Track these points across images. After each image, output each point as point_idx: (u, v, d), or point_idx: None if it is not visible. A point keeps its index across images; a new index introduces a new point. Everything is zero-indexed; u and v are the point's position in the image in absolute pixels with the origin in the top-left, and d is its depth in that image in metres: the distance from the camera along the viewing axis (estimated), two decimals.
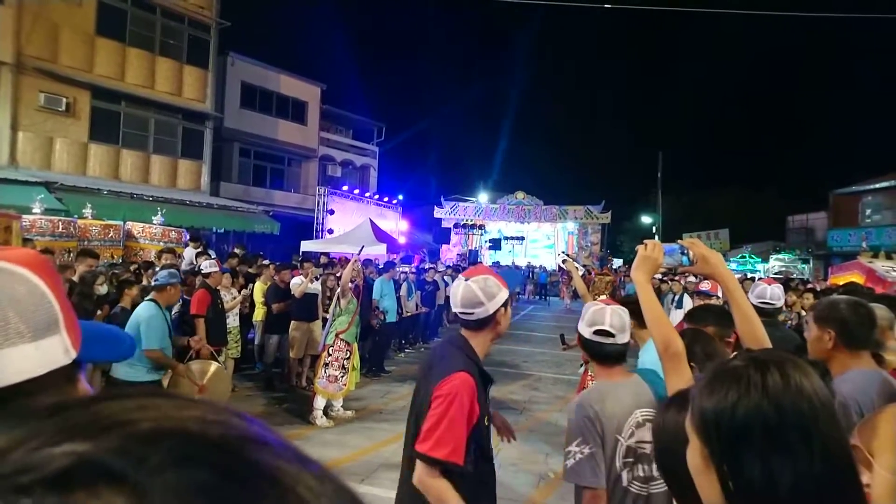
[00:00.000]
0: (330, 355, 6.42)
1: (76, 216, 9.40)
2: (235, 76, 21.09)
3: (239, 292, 8.01)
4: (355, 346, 6.69)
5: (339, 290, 6.60)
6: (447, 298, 14.56)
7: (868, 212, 24.64)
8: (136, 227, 9.82)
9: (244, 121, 21.36)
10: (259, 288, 8.15)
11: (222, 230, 16.54)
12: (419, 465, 1.86)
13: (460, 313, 2.02)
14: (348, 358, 6.47)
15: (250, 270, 8.72)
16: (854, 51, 59.65)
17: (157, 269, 5.88)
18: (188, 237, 10.35)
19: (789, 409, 0.84)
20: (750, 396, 0.86)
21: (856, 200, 25.04)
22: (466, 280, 2.03)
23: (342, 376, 6.38)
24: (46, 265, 0.63)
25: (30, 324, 0.58)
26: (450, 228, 29.22)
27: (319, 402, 6.32)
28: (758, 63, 72.77)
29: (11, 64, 13.54)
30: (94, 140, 15.38)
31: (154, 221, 10.31)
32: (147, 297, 4.66)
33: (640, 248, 1.77)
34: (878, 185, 23.98)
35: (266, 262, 8.99)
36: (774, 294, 3.83)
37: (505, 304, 2.02)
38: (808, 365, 0.91)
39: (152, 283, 4.84)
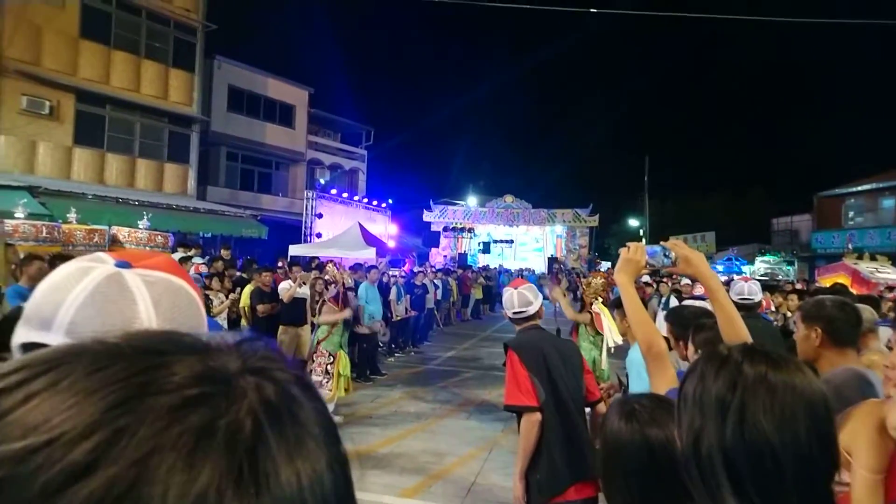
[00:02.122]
0: (313, 361, 6.47)
1: (60, 221, 9.26)
2: (222, 79, 20.96)
3: (226, 297, 7.95)
4: (341, 353, 6.63)
5: (322, 302, 6.70)
6: (437, 302, 14.69)
7: (851, 214, 25.03)
8: (121, 232, 9.69)
9: (231, 124, 21.23)
10: (247, 293, 8.09)
11: (209, 235, 16.38)
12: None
13: (515, 313, 2.85)
14: (331, 363, 6.44)
15: (243, 275, 8.68)
16: (839, 55, 60.70)
17: None
18: (174, 242, 10.24)
19: (714, 384, 0.91)
20: (697, 368, 0.95)
21: (839, 203, 25.42)
22: (516, 289, 2.87)
23: (326, 381, 6.35)
24: (182, 269, 0.68)
25: (196, 329, 0.62)
26: (439, 232, 29.22)
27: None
28: (743, 67, 73.75)
29: None
30: (79, 144, 15.19)
31: (140, 226, 10.19)
32: None
33: (622, 250, 1.78)
34: (860, 188, 24.38)
35: (256, 267, 8.92)
36: (752, 290, 4.21)
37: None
38: (804, 370, 0.93)
39: None
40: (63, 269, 0.61)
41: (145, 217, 10.33)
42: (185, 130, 17.92)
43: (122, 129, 16.39)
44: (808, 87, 64.48)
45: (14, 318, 3.32)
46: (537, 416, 2.61)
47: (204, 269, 8.52)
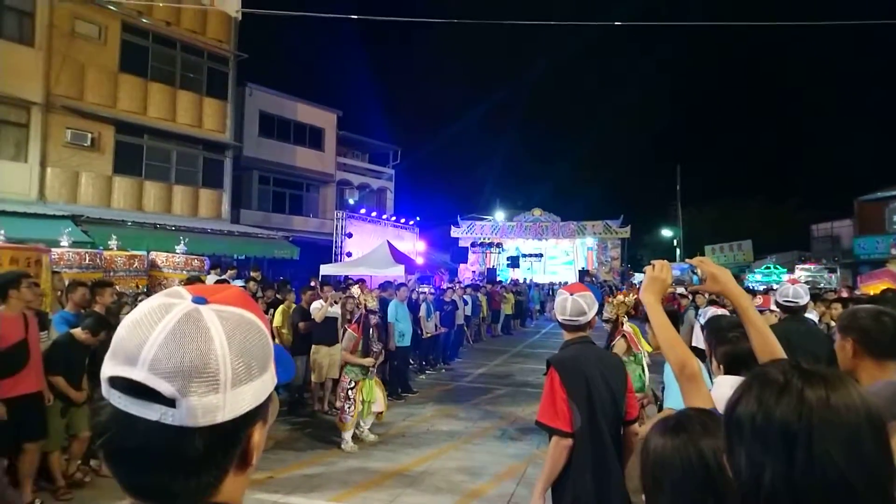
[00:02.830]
0: (339, 386, 6.50)
1: (101, 248, 9.60)
2: (254, 106, 21.58)
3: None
4: (365, 381, 6.35)
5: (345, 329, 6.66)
6: (467, 318, 14.64)
7: (895, 218, 24.07)
8: (159, 257, 9.99)
9: (263, 149, 21.79)
10: (281, 313, 8.20)
11: (243, 256, 16.76)
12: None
13: (566, 320, 2.70)
14: (353, 388, 6.28)
15: (278, 296, 8.77)
16: (878, 56, 58.90)
17: None
18: (209, 265, 10.49)
19: (776, 413, 0.85)
20: (751, 394, 0.90)
21: (881, 207, 24.50)
22: (572, 295, 2.71)
23: (348, 407, 6.22)
24: (252, 301, 0.73)
25: (260, 363, 0.68)
26: (467, 248, 29.25)
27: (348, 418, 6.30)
28: (777, 71, 72.21)
29: (41, 104, 14.05)
30: (118, 173, 15.79)
31: (177, 250, 10.48)
32: None
33: (647, 268, 1.76)
34: None
35: (290, 288, 9.01)
36: (797, 293, 4.08)
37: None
38: (856, 388, 0.90)
39: None
40: (146, 305, 0.66)
41: (182, 242, 10.63)
42: (219, 156, 18.45)
43: (159, 158, 16.98)
44: (844, 88, 62.69)
45: (62, 343, 3.46)
46: (568, 441, 2.53)
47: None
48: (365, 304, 6.69)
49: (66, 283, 6.44)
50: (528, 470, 5.61)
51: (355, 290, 7.28)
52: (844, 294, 10.77)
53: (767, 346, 1.59)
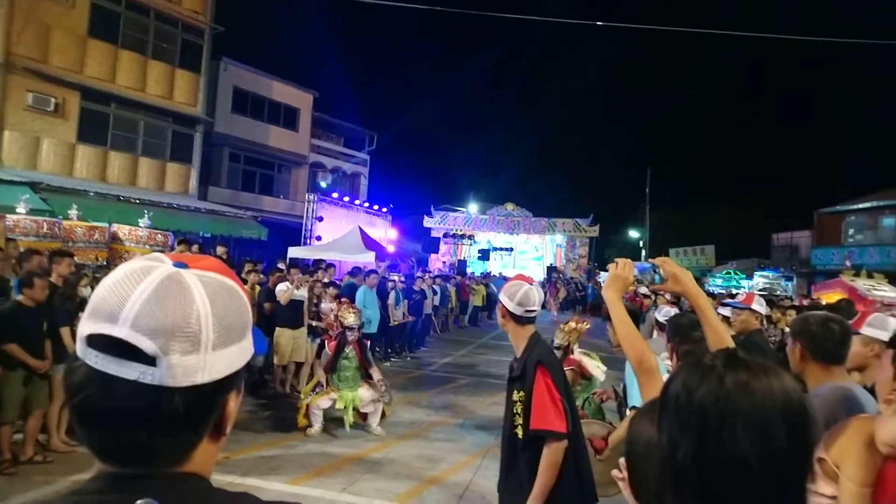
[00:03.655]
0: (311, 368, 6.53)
1: (61, 217, 9.28)
2: (228, 81, 21.06)
3: None
4: (343, 392, 6.32)
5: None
6: (435, 307, 14.68)
7: (851, 231, 25.04)
8: (121, 230, 9.70)
9: (235, 126, 21.31)
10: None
11: (209, 235, 16.41)
12: None
13: (528, 311, 2.51)
14: (325, 390, 6.33)
15: (243, 277, 8.63)
16: (841, 74, 60.89)
17: None
18: (175, 241, 10.25)
19: (697, 395, 0.88)
20: (681, 375, 0.93)
21: (839, 220, 25.44)
22: (532, 285, 2.56)
23: (317, 412, 6.29)
24: (231, 271, 0.73)
25: (239, 329, 0.69)
26: (439, 238, 29.26)
27: (317, 411, 6.26)
28: (749, 84, 73.97)
29: (0, 63, 13.43)
30: (82, 141, 15.23)
31: (140, 224, 10.20)
32: None
33: (611, 266, 1.82)
34: (860, 206, 24.41)
35: (259, 268, 8.83)
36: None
37: None
38: (785, 376, 0.93)
39: None
40: (126, 267, 0.66)
41: (146, 215, 10.34)
42: (189, 130, 17.98)
43: (126, 128, 16.44)
44: (813, 103, 64.70)
45: (8, 311, 3.38)
46: (565, 443, 2.38)
47: None
48: (341, 321, 6.46)
49: (21, 250, 6.22)
50: (484, 461, 5.69)
51: (335, 305, 7.02)
52: (805, 302, 11.19)
53: (722, 344, 1.65)
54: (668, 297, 9.70)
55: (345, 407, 6.27)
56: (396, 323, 11.31)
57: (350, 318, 6.41)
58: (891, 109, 52.53)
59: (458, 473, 5.34)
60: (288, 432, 6.22)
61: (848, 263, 18.47)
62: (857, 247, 23.38)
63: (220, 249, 10.04)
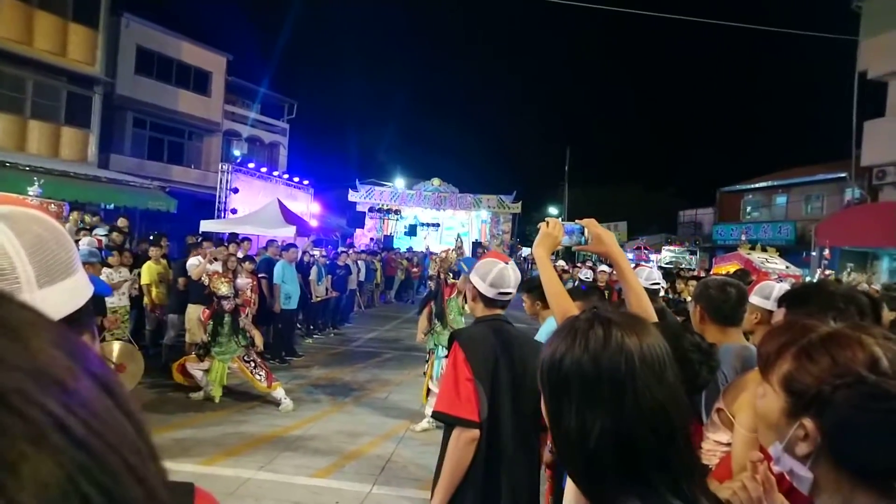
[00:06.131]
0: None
1: None
2: (130, 39, 19.35)
3: (130, 271, 7.45)
4: (215, 361, 6.34)
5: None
6: (360, 283, 14.48)
7: (748, 209, 27.13)
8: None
9: (140, 88, 19.69)
10: (148, 269, 7.66)
11: (112, 206, 15.19)
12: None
13: (502, 293, 2.23)
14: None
15: (147, 251, 8.11)
16: (749, 61, 65.26)
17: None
18: (70, 211, 9.41)
19: (605, 365, 0.87)
20: (574, 350, 0.90)
21: (738, 198, 27.46)
22: (508, 264, 2.28)
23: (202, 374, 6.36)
24: (33, 204, 0.63)
25: (64, 261, 0.63)
26: (364, 213, 28.78)
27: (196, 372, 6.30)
28: (663, 70, 77.54)
29: None
30: None
31: (30, 193, 9.24)
32: None
33: (541, 225, 1.84)
34: (757, 185, 26.46)
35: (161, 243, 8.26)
36: (651, 275, 5.14)
37: None
38: (651, 325, 0.95)
39: None
40: None
41: (37, 184, 9.39)
42: (87, 92, 16.43)
43: (11, 87, 14.77)
44: (720, 90, 68.92)
45: None
46: (474, 433, 2.02)
47: (105, 241, 7.93)
48: (215, 293, 6.35)
49: None
50: (407, 432, 5.71)
51: (206, 277, 6.79)
52: (702, 274, 12.04)
53: (641, 305, 1.70)
54: (585, 271, 10.11)
55: (214, 379, 6.23)
56: (319, 299, 11.05)
57: (223, 289, 6.35)
58: (788, 97, 57.12)
59: (381, 446, 5.33)
60: (200, 412, 5.94)
61: (744, 238, 20.02)
62: (754, 223, 25.36)
63: (121, 221, 9.33)
